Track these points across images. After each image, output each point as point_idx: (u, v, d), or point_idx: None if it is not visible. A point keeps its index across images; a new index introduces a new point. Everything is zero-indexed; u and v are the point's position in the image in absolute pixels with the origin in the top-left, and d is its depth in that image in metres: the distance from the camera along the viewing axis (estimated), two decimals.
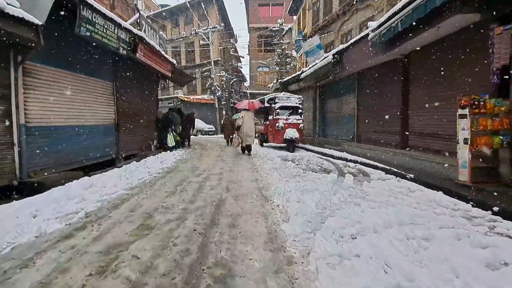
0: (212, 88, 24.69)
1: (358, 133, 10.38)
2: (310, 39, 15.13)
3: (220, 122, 25.51)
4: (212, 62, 24.44)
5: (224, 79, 26.80)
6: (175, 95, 25.77)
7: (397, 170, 6.33)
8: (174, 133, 10.87)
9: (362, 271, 2.17)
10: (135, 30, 7.31)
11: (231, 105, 27.55)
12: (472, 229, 3.06)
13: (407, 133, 7.84)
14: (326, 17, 15.34)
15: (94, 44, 5.92)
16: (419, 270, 2.21)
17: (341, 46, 9.94)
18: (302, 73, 13.61)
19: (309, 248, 2.61)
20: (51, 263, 2.25)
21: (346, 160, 8.30)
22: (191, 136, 14.66)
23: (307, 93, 14.81)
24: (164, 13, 27.77)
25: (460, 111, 4.88)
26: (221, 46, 27.18)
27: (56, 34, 5.12)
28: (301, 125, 11.22)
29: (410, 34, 6.28)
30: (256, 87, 29.73)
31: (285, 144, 11.17)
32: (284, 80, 17.57)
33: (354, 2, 12.40)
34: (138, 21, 8.50)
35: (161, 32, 11.43)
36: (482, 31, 5.07)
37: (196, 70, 26.79)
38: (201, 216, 3.40)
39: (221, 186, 5.01)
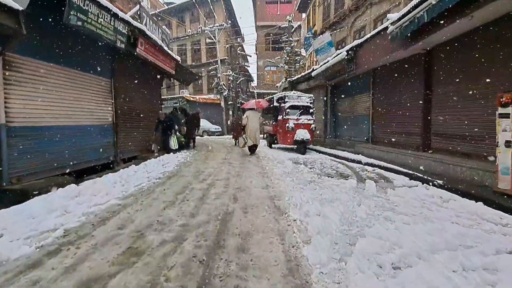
0: (219, 88, 24.14)
1: (373, 134, 9.69)
2: (320, 36, 14.44)
3: (226, 122, 24.98)
4: (219, 61, 23.90)
5: (231, 78, 26.23)
6: (180, 95, 25.31)
7: (422, 176, 5.66)
8: (179, 134, 10.34)
9: None
10: (134, 22, 6.78)
11: (238, 105, 26.98)
12: None
13: (429, 134, 7.15)
14: (338, 13, 14.65)
15: (87, 36, 5.39)
16: None
17: (356, 42, 9.26)
18: (312, 71, 12.94)
19: (342, 286, 1.99)
20: None
21: (362, 163, 7.62)
22: (197, 137, 14.12)
23: (317, 92, 14.13)
24: (170, 11, 27.36)
25: (500, 110, 4.24)
26: (227, 44, 26.64)
27: (43, 22, 4.60)
28: (313, 125, 10.55)
29: (437, 26, 5.61)
30: (263, 87, 29.08)
31: (295, 146, 10.54)
32: (293, 79, 16.90)
33: None
34: (139, 13, 7.96)
35: (164, 27, 10.89)
36: None
37: (202, 69, 26.28)
38: (203, 236, 2.80)
39: (228, 194, 4.41)
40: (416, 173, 5.86)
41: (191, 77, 13.33)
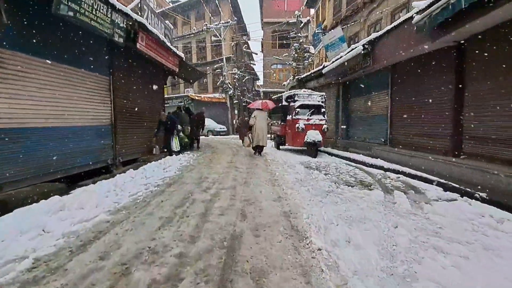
0: (224, 86, 23.51)
1: (392, 136, 8.92)
2: (331, 31, 13.65)
3: (232, 122, 24.38)
4: (224, 59, 23.26)
5: (237, 76, 25.57)
6: (185, 94, 24.80)
7: (458, 186, 4.92)
8: (182, 134, 9.76)
9: None
10: (134, 15, 6.20)
11: (243, 104, 26.34)
12: None
13: (461, 137, 6.38)
14: (350, 6, 13.86)
15: (82, 28, 4.82)
16: None
17: (374, 34, 8.51)
18: (323, 67, 12.19)
19: None
20: None
21: (383, 168, 6.89)
22: (201, 137, 13.55)
23: (328, 91, 13.37)
24: (175, 9, 26.85)
25: None
26: (233, 41, 25.98)
27: (31, 12, 4.06)
28: (325, 126, 9.81)
29: (477, 13, 4.87)
30: (270, 85, 28.29)
31: (305, 148, 9.84)
32: (302, 76, 16.14)
33: None
34: (140, 5, 7.38)
35: (166, 22, 10.30)
36: None
37: (208, 68, 25.68)
38: (204, 273, 2.17)
39: (235, 209, 3.77)
40: (450, 183, 5.13)
41: (196, 75, 12.71)
